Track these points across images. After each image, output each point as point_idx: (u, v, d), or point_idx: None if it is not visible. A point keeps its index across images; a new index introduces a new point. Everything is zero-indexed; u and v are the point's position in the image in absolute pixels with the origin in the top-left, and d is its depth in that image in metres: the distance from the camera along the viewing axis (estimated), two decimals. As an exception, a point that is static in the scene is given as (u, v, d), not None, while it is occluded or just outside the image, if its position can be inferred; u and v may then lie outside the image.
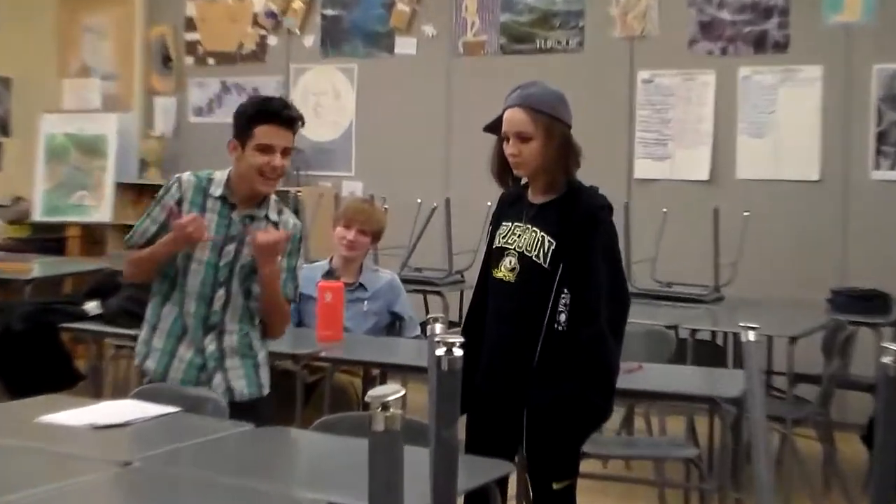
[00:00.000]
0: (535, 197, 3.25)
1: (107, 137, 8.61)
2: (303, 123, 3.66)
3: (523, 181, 3.34)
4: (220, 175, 3.61)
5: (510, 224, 3.24)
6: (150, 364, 3.65)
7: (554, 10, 7.21)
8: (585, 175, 4.92)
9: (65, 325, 5.48)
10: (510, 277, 3.19)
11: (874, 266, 6.13)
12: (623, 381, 3.73)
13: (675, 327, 4.99)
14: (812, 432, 5.15)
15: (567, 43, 7.17)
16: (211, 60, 8.54)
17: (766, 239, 6.31)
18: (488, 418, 3.00)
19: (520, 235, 3.21)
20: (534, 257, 3.16)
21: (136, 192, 8.57)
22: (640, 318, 4.81)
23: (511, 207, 3.29)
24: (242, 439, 3.21)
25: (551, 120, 3.17)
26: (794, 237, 6.49)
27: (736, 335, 5.04)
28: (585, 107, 6.08)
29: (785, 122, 6.50)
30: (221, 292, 3.59)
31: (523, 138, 3.16)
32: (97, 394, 5.32)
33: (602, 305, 3.11)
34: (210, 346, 3.62)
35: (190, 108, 8.64)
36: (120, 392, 5.27)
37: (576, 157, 3.22)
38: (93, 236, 8.75)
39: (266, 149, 3.45)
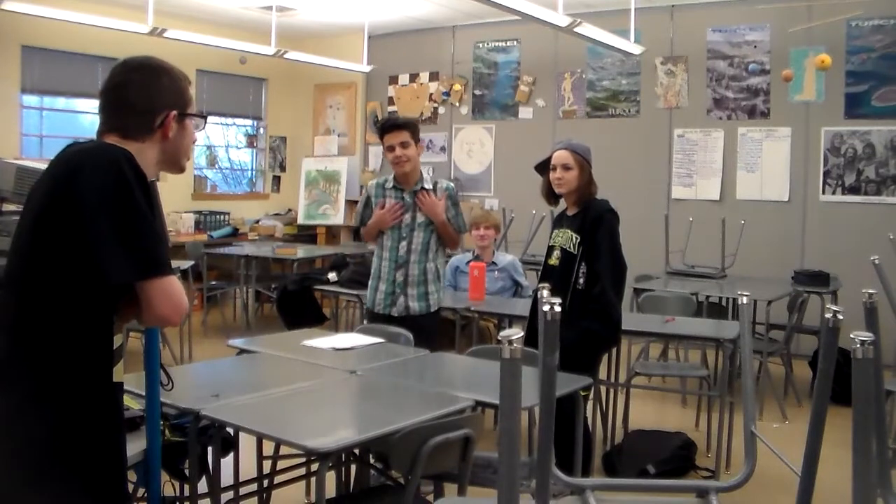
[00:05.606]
0: (569, 211, 3.74)
1: (341, 172, 10.07)
2: (412, 125, 3.98)
3: (563, 203, 3.73)
4: (391, 175, 4.16)
5: (557, 230, 3.75)
6: (367, 298, 4.24)
7: (620, 90, 8.38)
8: (639, 197, 7.01)
9: (316, 287, 6.28)
10: (556, 263, 3.69)
11: (820, 256, 7.04)
12: (661, 328, 4.56)
13: (696, 294, 5.57)
14: (779, 360, 5.82)
15: (629, 111, 8.32)
16: (403, 123, 9.47)
17: (754, 238, 7.12)
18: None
19: (561, 236, 3.67)
20: (568, 248, 3.61)
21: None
22: (673, 288, 5.78)
23: (558, 220, 3.83)
24: (421, 359, 3.54)
25: (583, 159, 3.66)
26: (771, 237, 7.40)
27: (734, 299, 5.71)
28: (641, 152, 7.91)
29: (767, 163, 7.53)
30: (404, 243, 4.03)
31: (566, 168, 3.64)
32: (335, 329, 6.00)
33: (605, 273, 3.48)
34: (399, 278, 4.05)
35: (389, 153, 10.11)
36: (349, 328, 5.96)
37: (594, 183, 3.69)
38: (332, 233, 10.15)
39: (390, 147, 3.94)
